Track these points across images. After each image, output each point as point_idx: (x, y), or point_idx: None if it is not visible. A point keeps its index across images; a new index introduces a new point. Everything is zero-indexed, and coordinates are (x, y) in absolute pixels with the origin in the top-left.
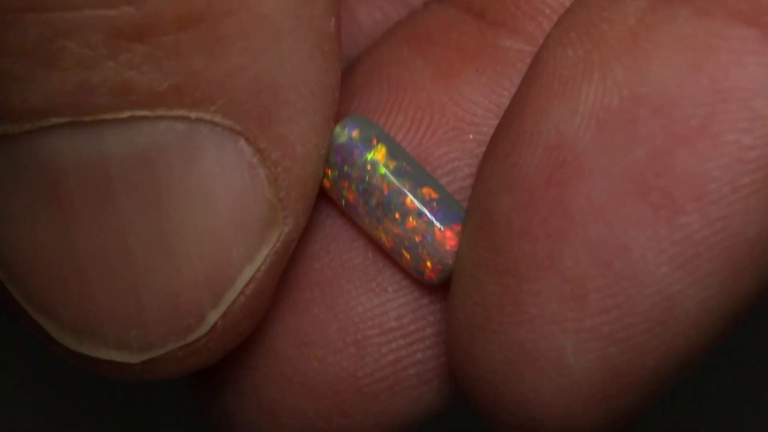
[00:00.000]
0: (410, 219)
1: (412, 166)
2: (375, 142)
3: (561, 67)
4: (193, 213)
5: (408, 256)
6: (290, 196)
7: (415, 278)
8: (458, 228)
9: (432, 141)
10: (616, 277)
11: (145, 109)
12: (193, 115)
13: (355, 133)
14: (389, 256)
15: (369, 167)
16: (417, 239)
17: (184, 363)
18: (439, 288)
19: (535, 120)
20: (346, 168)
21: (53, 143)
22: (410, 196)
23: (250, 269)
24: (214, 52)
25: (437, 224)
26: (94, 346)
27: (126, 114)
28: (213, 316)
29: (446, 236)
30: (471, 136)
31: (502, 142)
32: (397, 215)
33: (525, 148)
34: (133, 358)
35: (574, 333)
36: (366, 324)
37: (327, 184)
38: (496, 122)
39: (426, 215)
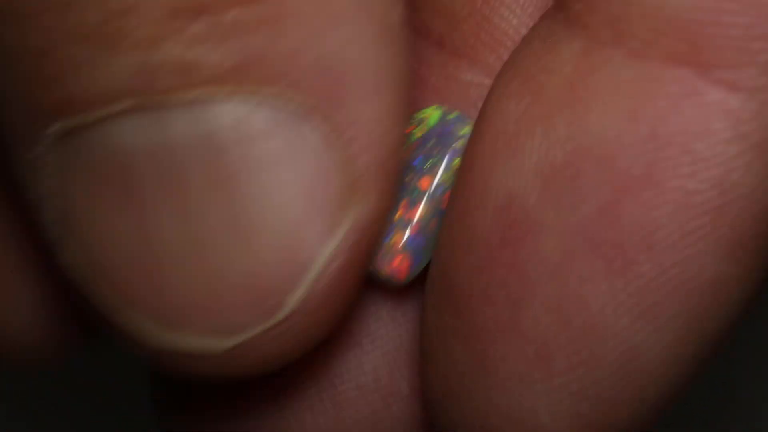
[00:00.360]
0: (421, 210)
1: None
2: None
3: (505, 122)
4: (264, 194)
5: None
6: (366, 176)
7: (390, 330)
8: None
9: None
10: (577, 333)
11: (211, 89)
12: (260, 94)
13: (451, 116)
14: (363, 306)
15: (442, 151)
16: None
17: (269, 352)
18: (415, 341)
19: (484, 179)
20: (433, 140)
21: (120, 130)
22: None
23: (328, 250)
24: (276, 30)
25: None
26: (179, 336)
27: (191, 95)
28: (293, 298)
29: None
30: None
31: (457, 203)
32: (415, 196)
33: (477, 209)
34: (217, 346)
35: (545, 393)
36: (342, 380)
37: None
38: None
39: (432, 225)
